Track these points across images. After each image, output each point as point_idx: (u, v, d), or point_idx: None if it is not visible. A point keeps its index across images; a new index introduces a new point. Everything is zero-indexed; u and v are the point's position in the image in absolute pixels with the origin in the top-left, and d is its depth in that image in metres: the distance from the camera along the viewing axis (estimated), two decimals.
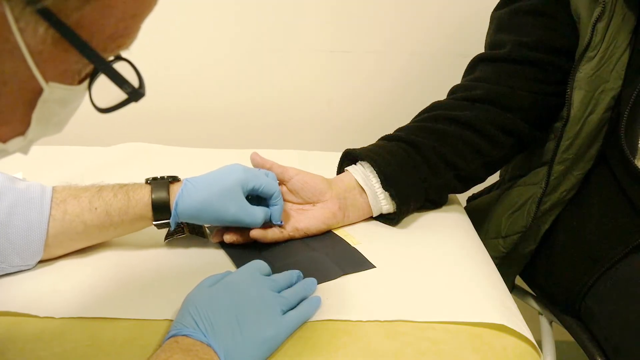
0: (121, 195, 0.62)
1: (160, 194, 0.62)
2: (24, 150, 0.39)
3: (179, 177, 0.65)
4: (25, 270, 0.62)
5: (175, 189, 0.63)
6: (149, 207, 0.62)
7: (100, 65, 0.35)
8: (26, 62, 0.33)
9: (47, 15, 0.32)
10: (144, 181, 0.65)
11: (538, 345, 0.57)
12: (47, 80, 0.34)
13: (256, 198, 0.68)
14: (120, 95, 0.36)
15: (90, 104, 0.37)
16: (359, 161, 0.77)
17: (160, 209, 0.62)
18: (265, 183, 0.66)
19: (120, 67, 0.36)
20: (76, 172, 0.87)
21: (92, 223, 0.61)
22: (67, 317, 0.55)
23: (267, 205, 0.67)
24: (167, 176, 0.65)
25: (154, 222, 0.63)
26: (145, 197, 0.62)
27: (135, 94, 0.36)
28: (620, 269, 0.72)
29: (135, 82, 0.36)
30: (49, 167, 0.88)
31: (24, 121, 0.36)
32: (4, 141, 0.36)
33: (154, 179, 0.64)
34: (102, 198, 0.61)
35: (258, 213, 0.65)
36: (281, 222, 0.68)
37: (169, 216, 0.62)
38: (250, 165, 0.73)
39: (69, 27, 0.32)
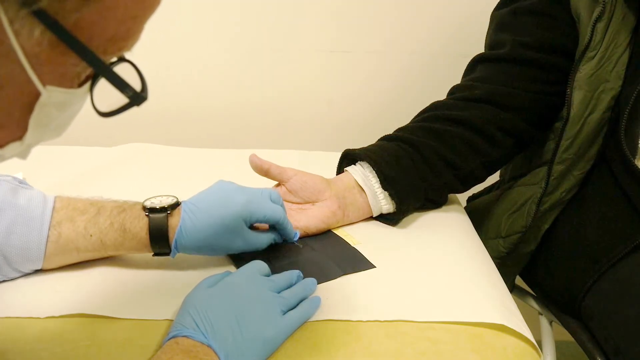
0: (117, 224, 0.59)
1: (158, 230, 0.58)
2: (22, 155, 0.37)
3: (178, 198, 0.61)
4: None
5: (174, 223, 0.59)
6: (146, 242, 0.59)
7: (99, 68, 0.33)
8: (22, 65, 0.31)
9: (43, 17, 0.30)
10: (143, 200, 0.61)
11: (538, 345, 0.57)
12: (44, 83, 0.33)
13: None
14: (122, 98, 0.34)
15: (92, 106, 0.36)
16: (359, 161, 0.77)
17: (159, 244, 0.59)
18: (270, 213, 0.62)
19: (123, 69, 0.35)
20: (77, 172, 0.87)
21: (86, 249, 0.59)
22: (67, 317, 0.55)
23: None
24: (168, 205, 0.59)
25: (153, 254, 0.61)
26: (142, 231, 0.59)
27: (137, 97, 0.34)
28: (621, 269, 0.72)
29: (137, 85, 0.35)
30: (50, 167, 0.88)
31: (20, 126, 0.35)
32: (1, 146, 0.35)
33: (152, 209, 0.59)
34: (98, 225, 0.58)
35: (263, 240, 0.63)
36: (296, 238, 0.67)
37: (168, 251, 0.60)
38: (250, 166, 0.73)
39: (66, 30, 0.31)
